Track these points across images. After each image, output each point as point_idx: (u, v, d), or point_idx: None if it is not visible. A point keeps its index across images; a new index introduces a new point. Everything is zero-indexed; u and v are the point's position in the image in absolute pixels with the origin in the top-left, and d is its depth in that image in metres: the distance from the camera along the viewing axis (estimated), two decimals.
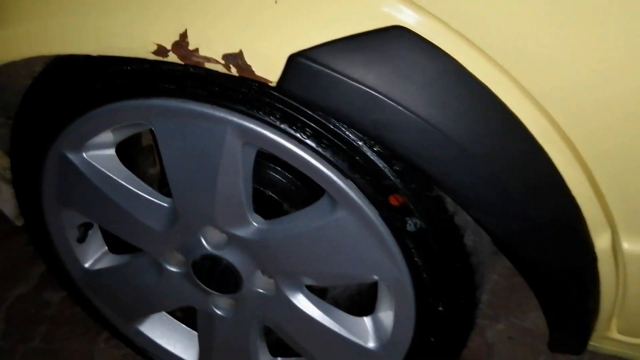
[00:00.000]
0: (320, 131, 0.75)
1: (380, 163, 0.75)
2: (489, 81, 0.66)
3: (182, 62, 0.70)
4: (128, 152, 1.13)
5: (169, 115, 0.82)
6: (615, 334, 0.89)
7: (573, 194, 0.71)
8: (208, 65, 0.69)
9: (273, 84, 0.67)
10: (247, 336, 1.07)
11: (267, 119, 0.76)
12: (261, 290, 0.99)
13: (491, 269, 1.14)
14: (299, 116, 0.75)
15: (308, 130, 0.76)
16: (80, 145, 0.94)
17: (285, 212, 0.99)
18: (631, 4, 0.59)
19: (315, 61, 0.64)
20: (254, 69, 0.66)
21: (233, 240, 0.94)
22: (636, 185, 0.70)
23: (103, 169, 0.96)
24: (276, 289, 0.97)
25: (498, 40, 0.63)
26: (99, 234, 1.14)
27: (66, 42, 0.76)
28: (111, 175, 0.96)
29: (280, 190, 1.00)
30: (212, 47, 0.67)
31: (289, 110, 0.75)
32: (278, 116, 0.76)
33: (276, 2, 0.65)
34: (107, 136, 0.94)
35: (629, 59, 0.62)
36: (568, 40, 0.62)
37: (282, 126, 0.76)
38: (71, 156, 0.95)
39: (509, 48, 0.64)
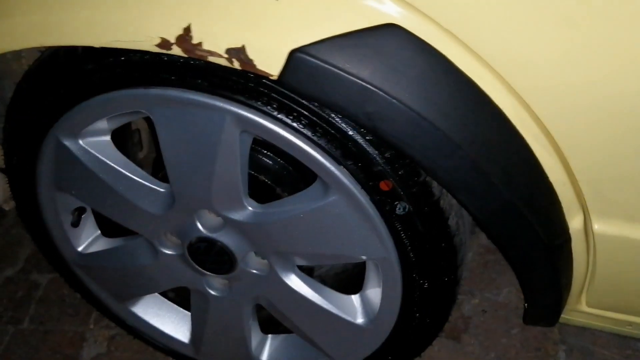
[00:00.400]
0: (315, 121, 0.79)
1: (372, 151, 0.80)
2: (475, 75, 0.71)
3: (185, 55, 0.73)
4: (117, 136, 1.15)
5: (168, 104, 0.85)
6: (584, 307, 0.97)
7: (550, 179, 0.77)
8: (211, 58, 0.72)
9: (274, 78, 0.71)
10: (240, 315, 1.12)
11: (264, 109, 0.80)
12: (255, 271, 1.04)
13: (470, 248, 1.20)
14: (295, 106, 0.79)
15: (304, 119, 0.80)
16: (76, 132, 0.96)
17: (278, 196, 1.03)
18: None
19: (314, 57, 0.68)
20: (255, 63, 0.70)
21: (228, 223, 0.98)
22: (607, 171, 0.76)
23: (99, 155, 0.98)
24: (269, 269, 1.02)
25: (484, 38, 0.68)
26: (92, 217, 1.16)
27: (70, 34, 0.78)
28: (107, 161, 0.98)
29: (273, 175, 1.04)
30: (215, 41, 0.70)
31: (285, 100, 0.78)
32: (275, 106, 0.79)
33: None
34: (102, 123, 0.97)
35: (604, 56, 0.67)
36: (548, 39, 0.67)
37: (279, 116, 0.80)
38: (67, 143, 0.97)
39: (493, 45, 0.69)
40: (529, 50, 0.68)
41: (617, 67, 0.68)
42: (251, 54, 0.70)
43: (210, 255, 1.04)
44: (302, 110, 0.79)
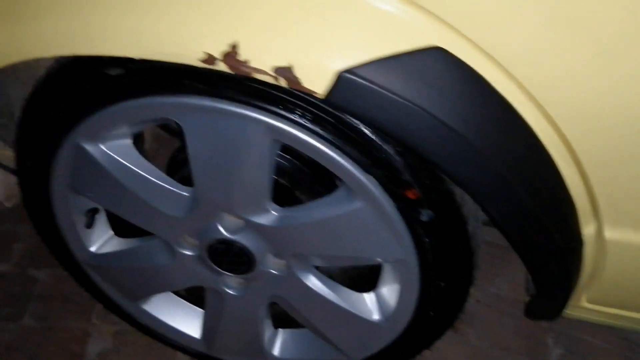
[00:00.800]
0: (347, 132, 0.82)
1: (401, 161, 0.83)
2: (508, 94, 0.75)
3: (230, 72, 0.74)
4: None
5: (199, 113, 0.86)
6: (584, 303, 1.04)
7: (569, 190, 0.83)
8: (256, 75, 0.74)
9: (321, 97, 0.73)
10: (255, 312, 1.15)
11: (299, 120, 0.82)
12: (272, 271, 1.07)
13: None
14: (330, 118, 0.81)
15: (337, 131, 0.82)
16: (98, 136, 0.96)
17: (296, 198, 1.06)
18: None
19: (362, 78, 0.71)
20: (302, 82, 0.72)
21: (250, 226, 1.00)
22: (620, 182, 0.82)
23: (120, 159, 0.98)
24: (287, 269, 1.05)
25: (517, 59, 0.72)
26: (105, 218, 1.16)
27: (107, 43, 0.77)
28: (129, 165, 0.99)
29: (291, 177, 1.07)
30: (263, 59, 0.72)
31: (321, 113, 0.81)
32: (310, 118, 0.82)
33: (324, 19, 0.70)
34: (125, 127, 0.97)
35: (627, 74, 0.72)
36: (574, 57, 0.71)
37: (313, 127, 0.82)
38: (88, 147, 0.97)
39: (524, 63, 0.73)
40: (556, 67, 0.72)
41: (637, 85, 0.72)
42: (299, 73, 0.71)
43: (229, 256, 1.06)
44: (336, 122, 0.81)
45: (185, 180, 1.02)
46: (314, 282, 1.07)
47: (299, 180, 1.07)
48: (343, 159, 0.85)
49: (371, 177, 0.86)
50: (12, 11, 0.82)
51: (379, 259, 0.99)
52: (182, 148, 1.18)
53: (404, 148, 0.82)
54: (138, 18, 0.75)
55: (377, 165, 0.85)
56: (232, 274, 1.09)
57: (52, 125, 0.97)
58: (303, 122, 0.82)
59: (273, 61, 0.72)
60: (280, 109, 0.82)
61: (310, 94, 0.74)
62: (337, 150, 0.85)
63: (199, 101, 0.85)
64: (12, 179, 1.24)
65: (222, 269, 1.08)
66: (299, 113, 0.82)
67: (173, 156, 1.15)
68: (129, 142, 0.99)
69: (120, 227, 1.18)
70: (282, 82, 0.73)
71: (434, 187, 0.87)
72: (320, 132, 0.83)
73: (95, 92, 0.90)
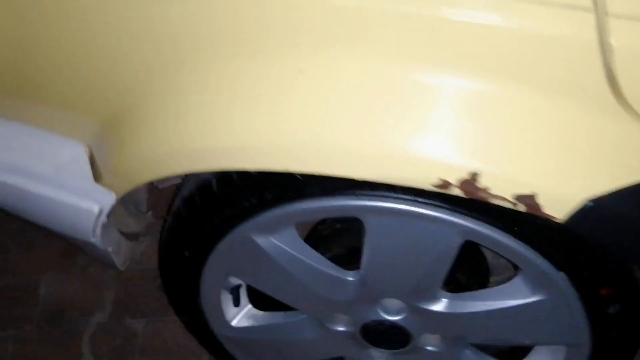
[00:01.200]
0: (545, 233, 0.81)
1: (600, 263, 0.84)
2: None
3: (465, 196, 0.73)
4: None
5: (390, 215, 0.84)
6: None
7: None
8: (493, 201, 0.72)
9: (559, 222, 0.72)
10: None
11: (500, 224, 0.81)
12: (428, 348, 1.07)
13: None
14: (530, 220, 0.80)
15: (535, 232, 0.82)
16: (272, 231, 0.93)
17: (456, 280, 1.05)
18: None
19: (605, 206, 0.70)
20: (544, 208, 0.71)
21: (412, 309, 1.00)
22: None
23: (288, 249, 0.96)
24: (444, 346, 1.05)
25: None
26: (246, 294, 1.15)
27: (321, 163, 0.75)
28: (295, 254, 0.97)
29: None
30: (505, 187, 0.70)
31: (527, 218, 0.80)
32: (510, 221, 0.81)
33: (569, 147, 0.69)
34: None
35: None
36: None
37: (513, 228, 0.82)
38: (258, 239, 0.94)
39: None
40: None
41: None
42: (541, 200, 0.70)
43: (385, 335, 1.05)
44: (536, 225, 0.80)
45: (334, 258, 1.01)
46: (468, 356, 1.07)
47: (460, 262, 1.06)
48: (535, 256, 0.85)
49: (563, 274, 0.86)
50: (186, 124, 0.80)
51: (548, 343, 1.00)
52: (327, 223, 1.16)
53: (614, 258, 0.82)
54: (364, 141, 0.73)
55: (571, 263, 0.85)
56: (382, 349, 1.09)
57: (223, 218, 0.93)
58: (503, 226, 0.82)
59: (515, 189, 0.70)
60: (485, 216, 0.81)
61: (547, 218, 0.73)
62: (530, 248, 0.84)
63: (394, 205, 0.83)
64: (129, 245, 1.21)
65: (375, 345, 1.08)
66: (503, 218, 0.81)
67: (316, 230, 1.13)
68: (295, 231, 0.97)
69: (257, 299, 1.16)
70: (521, 208, 0.72)
71: (626, 284, 0.87)
72: (519, 232, 0.82)
73: (279, 192, 0.87)
